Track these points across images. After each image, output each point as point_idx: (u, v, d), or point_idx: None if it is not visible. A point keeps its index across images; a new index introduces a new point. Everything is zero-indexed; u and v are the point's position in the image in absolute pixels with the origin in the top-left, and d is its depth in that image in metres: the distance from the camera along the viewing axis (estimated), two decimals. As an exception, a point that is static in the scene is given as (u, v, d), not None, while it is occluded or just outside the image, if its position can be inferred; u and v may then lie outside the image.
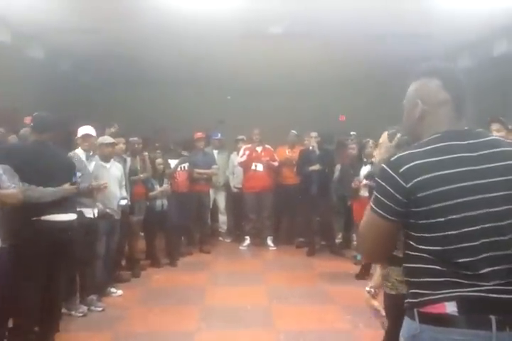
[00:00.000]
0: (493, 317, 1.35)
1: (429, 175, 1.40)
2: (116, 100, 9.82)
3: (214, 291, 5.32)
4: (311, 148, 6.98)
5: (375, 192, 1.49)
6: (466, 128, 1.55)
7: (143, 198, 5.85)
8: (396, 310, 1.81)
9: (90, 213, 4.45)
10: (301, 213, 7.30)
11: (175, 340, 3.99)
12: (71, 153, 4.50)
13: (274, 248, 7.33)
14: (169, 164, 6.52)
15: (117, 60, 7.98)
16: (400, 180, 1.42)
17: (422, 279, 1.43)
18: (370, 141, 5.93)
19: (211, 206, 7.60)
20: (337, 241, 7.24)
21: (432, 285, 1.41)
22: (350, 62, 7.90)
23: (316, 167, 6.81)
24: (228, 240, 7.90)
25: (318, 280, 5.75)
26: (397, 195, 1.43)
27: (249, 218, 7.43)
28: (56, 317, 3.78)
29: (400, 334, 1.50)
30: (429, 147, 1.47)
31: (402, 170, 1.43)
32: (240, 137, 7.93)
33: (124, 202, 5.00)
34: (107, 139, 4.93)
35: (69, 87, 8.76)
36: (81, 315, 4.37)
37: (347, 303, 4.83)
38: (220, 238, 7.93)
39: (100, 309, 4.56)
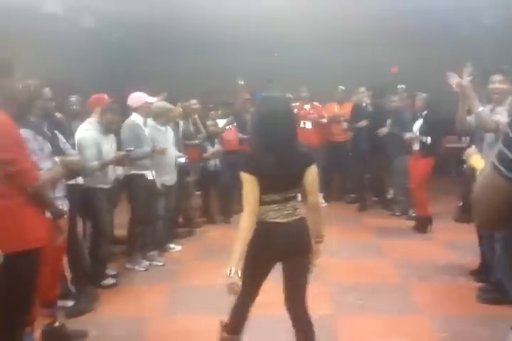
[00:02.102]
0: None
1: None
2: (166, 66, 9.92)
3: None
4: (364, 104, 6.91)
5: (501, 146, 1.14)
6: None
7: (197, 159, 6.06)
8: None
9: (150, 175, 4.69)
10: (352, 169, 7.31)
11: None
12: (127, 120, 4.69)
13: (325, 204, 7.40)
14: (217, 124, 6.63)
15: (167, 25, 8.00)
16: None
17: None
18: (421, 94, 5.86)
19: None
20: (388, 196, 7.20)
21: None
22: (401, 12, 7.59)
23: (362, 123, 6.76)
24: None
25: (369, 235, 5.85)
26: None
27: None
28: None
29: None
30: None
31: None
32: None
33: (183, 160, 5.25)
34: (168, 105, 5.09)
35: (121, 54, 8.89)
36: (143, 269, 4.70)
37: (399, 257, 4.94)
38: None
39: (161, 264, 4.87)
